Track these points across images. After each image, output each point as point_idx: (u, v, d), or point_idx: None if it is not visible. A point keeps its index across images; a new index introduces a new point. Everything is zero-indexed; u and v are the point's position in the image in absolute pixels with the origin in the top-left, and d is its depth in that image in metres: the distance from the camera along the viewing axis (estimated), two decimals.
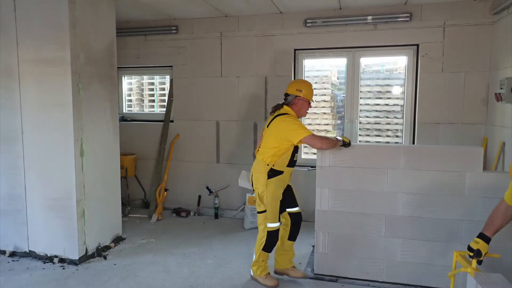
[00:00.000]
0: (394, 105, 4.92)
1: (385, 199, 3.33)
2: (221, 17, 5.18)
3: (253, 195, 4.89)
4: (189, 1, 4.52)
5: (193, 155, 5.50)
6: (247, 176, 3.63)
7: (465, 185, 3.14)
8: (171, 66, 5.53)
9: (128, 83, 5.99)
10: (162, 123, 5.57)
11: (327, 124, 5.17)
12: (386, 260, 3.38)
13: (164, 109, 5.63)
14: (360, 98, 4.95)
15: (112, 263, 3.85)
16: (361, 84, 4.94)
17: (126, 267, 3.75)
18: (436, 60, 4.57)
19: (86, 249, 3.90)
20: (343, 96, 5.06)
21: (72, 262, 3.79)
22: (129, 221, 5.06)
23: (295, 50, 5.05)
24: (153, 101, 5.95)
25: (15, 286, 3.35)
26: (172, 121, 5.57)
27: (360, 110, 4.97)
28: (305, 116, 3.48)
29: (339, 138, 3.33)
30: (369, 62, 5.14)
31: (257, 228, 4.84)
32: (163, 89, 5.84)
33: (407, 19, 4.55)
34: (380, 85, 4.99)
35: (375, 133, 4.98)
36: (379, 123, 4.98)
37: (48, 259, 3.86)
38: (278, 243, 3.48)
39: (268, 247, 3.34)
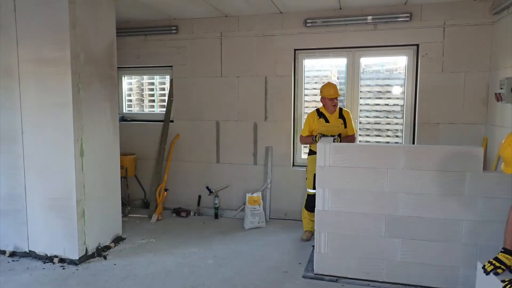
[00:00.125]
0: (394, 105, 4.92)
1: (385, 199, 3.33)
2: (221, 17, 5.18)
3: (253, 195, 4.93)
4: (189, 1, 4.52)
5: (193, 155, 5.50)
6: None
7: (465, 185, 3.14)
8: (171, 66, 5.53)
9: (128, 83, 5.99)
10: (162, 123, 5.57)
11: None
12: (386, 260, 3.38)
13: (164, 109, 5.63)
14: (360, 98, 4.95)
15: (112, 263, 3.85)
16: (361, 84, 4.94)
17: (126, 267, 3.75)
18: (436, 60, 4.57)
19: (86, 249, 3.90)
20: (343, 97, 5.06)
21: (72, 262, 3.79)
22: (129, 221, 5.06)
23: (295, 50, 5.05)
24: (153, 101, 5.95)
25: (15, 286, 3.35)
26: (172, 121, 5.57)
27: (360, 110, 4.97)
28: (333, 110, 4.29)
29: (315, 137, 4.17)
30: (369, 62, 5.14)
31: (257, 228, 4.89)
32: (163, 89, 5.84)
33: (407, 19, 4.55)
34: (380, 85, 4.99)
35: (375, 133, 4.99)
36: (379, 123, 4.98)
37: (48, 259, 3.86)
38: None
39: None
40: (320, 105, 4.44)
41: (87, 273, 3.63)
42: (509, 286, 2.25)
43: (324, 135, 4.14)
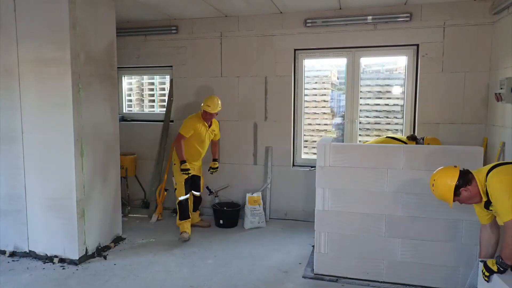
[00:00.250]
0: (394, 105, 4.92)
1: (385, 199, 3.33)
2: (221, 17, 5.18)
3: (253, 195, 4.93)
4: (189, 1, 4.52)
5: None
6: None
7: None
8: (171, 66, 5.53)
9: (128, 83, 5.99)
10: (162, 123, 5.57)
11: (327, 124, 5.17)
12: (386, 260, 3.38)
13: (164, 109, 5.63)
14: (360, 98, 4.95)
15: (112, 263, 3.85)
16: (361, 84, 4.94)
17: (126, 267, 3.75)
18: (436, 60, 4.57)
19: (86, 249, 3.90)
20: (340, 97, 5.07)
21: (72, 262, 3.79)
22: (129, 221, 5.06)
23: (295, 50, 5.05)
24: (153, 101, 5.95)
25: (15, 286, 3.35)
26: (172, 121, 5.57)
27: (360, 110, 4.97)
28: (209, 123, 4.67)
29: None
30: (369, 62, 5.14)
31: (257, 228, 4.89)
32: (163, 89, 5.84)
33: (407, 19, 4.55)
34: (380, 85, 4.99)
35: (375, 133, 4.98)
36: (379, 123, 4.98)
37: (48, 259, 3.85)
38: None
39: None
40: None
41: (87, 273, 3.63)
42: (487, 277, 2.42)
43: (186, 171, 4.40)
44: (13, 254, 3.97)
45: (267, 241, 4.42)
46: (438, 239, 3.24)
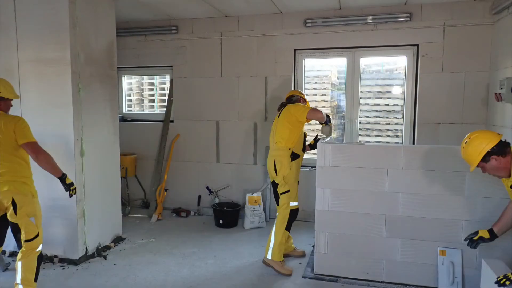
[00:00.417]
0: (394, 105, 4.92)
1: (385, 199, 3.33)
2: (221, 17, 5.18)
3: (253, 195, 4.93)
4: (189, 1, 4.52)
5: (193, 155, 5.50)
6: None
7: (465, 185, 3.14)
8: (171, 66, 5.53)
9: (128, 83, 5.99)
10: (162, 123, 5.57)
11: None
12: (386, 260, 3.38)
13: (164, 109, 5.63)
14: (360, 98, 4.95)
15: (112, 263, 3.85)
16: (361, 84, 4.94)
17: (126, 267, 3.75)
18: (436, 60, 4.57)
19: (86, 249, 3.90)
20: (340, 97, 5.07)
21: (72, 262, 3.79)
22: (129, 221, 5.06)
23: (295, 50, 5.05)
24: (153, 101, 5.95)
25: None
26: (172, 121, 5.57)
27: (360, 110, 4.97)
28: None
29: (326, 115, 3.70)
30: (369, 62, 5.14)
31: (257, 228, 4.88)
32: (163, 89, 5.84)
33: (407, 19, 4.55)
34: (380, 85, 4.99)
35: (375, 133, 4.99)
36: (379, 123, 4.98)
37: (48, 259, 3.85)
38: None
39: (289, 225, 3.66)
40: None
41: (87, 273, 3.63)
42: (504, 280, 2.27)
43: None
44: (13, 254, 3.96)
45: (267, 241, 4.41)
46: (438, 239, 3.24)
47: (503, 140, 2.46)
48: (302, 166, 5.16)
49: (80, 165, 3.77)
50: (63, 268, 3.72)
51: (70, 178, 3.72)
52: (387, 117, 4.94)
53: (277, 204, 3.74)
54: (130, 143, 5.60)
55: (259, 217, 4.88)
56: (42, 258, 3.13)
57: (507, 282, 2.29)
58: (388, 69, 5.18)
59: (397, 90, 4.91)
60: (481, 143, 2.43)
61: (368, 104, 4.98)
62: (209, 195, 5.34)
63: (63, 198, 3.75)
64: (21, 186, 2.91)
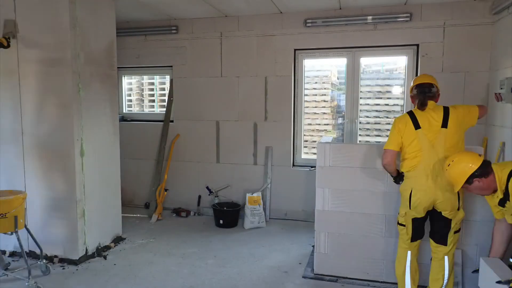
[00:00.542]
0: (394, 105, 4.92)
1: (385, 199, 3.33)
2: (221, 17, 5.18)
3: (253, 195, 4.93)
4: (189, 1, 4.52)
5: (193, 155, 5.50)
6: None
7: None
8: (171, 66, 5.53)
9: (128, 83, 5.99)
10: (162, 123, 5.57)
11: (327, 124, 5.17)
12: (386, 260, 3.38)
13: (164, 109, 5.63)
14: (360, 98, 4.95)
15: (112, 263, 3.85)
16: (361, 84, 4.94)
17: (126, 267, 3.75)
18: (436, 60, 4.56)
19: (86, 249, 3.90)
20: (340, 97, 5.07)
21: (72, 262, 3.79)
22: (129, 221, 5.06)
23: (295, 50, 5.05)
24: (153, 101, 5.95)
25: (15, 286, 3.35)
26: (172, 121, 5.57)
27: (360, 110, 4.97)
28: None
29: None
30: (369, 62, 5.14)
31: (257, 228, 4.88)
32: (163, 89, 5.84)
33: (407, 19, 4.55)
34: (380, 85, 4.99)
35: (375, 133, 4.99)
36: (379, 123, 4.98)
37: (48, 259, 3.85)
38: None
39: None
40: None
41: (87, 273, 3.63)
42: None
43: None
44: (13, 254, 3.96)
45: (267, 241, 4.42)
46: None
47: (485, 160, 2.50)
48: (301, 166, 5.23)
49: (80, 165, 3.77)
50: (63, 268, 3.72)
51: (70, 178, 3.76)
52: (387, 117, 4.94)
53: (435, 241, 2.92)
54: (130, 143, 5.60)
55: (259, 217, 4.88)
56: None
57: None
58: (388, 69, 5.18)
59: (397, 90, 4.91)
60: (464, 167, 2.47)
61: (368, 104, 4.98)
62: (209, 195, 5.34)
63: (63, 198, 3.77)
64: None
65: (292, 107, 5.11)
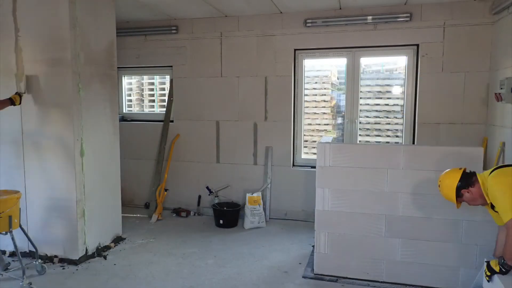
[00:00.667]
0: (394, 105, 4.92)
1: (385, 199, 3.33)
2: (221, 17, 5.18)
3: (253, 195, 4.93)
4: (189, 1, 4.52)
5: (193, 155, 5.50)
6: None
7: None
8: (171, 66, 5.53)
9: (128, 83, 5.99)
10: (162, 123, 5.57)
11: (327, 124, 5.17)
12: (386, 260, 3.38)
13: (164, 109, 5.63)
14: (360, 98, 4.95)
15: (112, 263, 3.85)
16: (361, 84, 4.94)
17: (126, 267, 3.75)
18: (436, 60, 4.57)
19: (86, 249, 3.90)
20: (339, 97, 5.07)
21: (72, 262, 3.79)
22: (129, 221, 5.06)
23: (295, 50, 5.05)
24: (153, 101, 5.95)
25: (15, 286, 3.35)
26: (172, 121, 5.57)
27: (360, 110, 4.97)
28: None
29: None
30: (369, 62, 5.14)
31: (257, 228, 4.88)
32: (163, 89, 5.84)
33: (407, 19, 4.55)
34: (380, 85, 4.99)
35: (375, 133, 4.99)
36: (379, 123, 4.98)
37: (48, 259, 3.85)
38: None
39: None
40: None
41: (87, 273, 3.63)
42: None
43: None
44: (13, 254, 3.96)
45: (267, 241, 4.42)
46: (438, 239, 3.24)
47: (468, 171, 2.61)
48: (301, 166, 5.23)
49: (80, 165, 3.77)
50: (63, 268, 3.71)
51: (70, 178, 3.75)
52: (387, 117, 4.94)
53: None
54: (130, 143, 5.60)
55: (259, 217, 4.88)
56: None
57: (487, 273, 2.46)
58: (388, 69, 5.18)
59: (397, 90, 4.91)
60: (448, 183, 2.64)
61: (368, 104, 4.98)
62: (209, 195, 5.34)
63: (63, 198, 3.77)
64: None
65: (292, 107, 5.11)
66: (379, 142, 4.97)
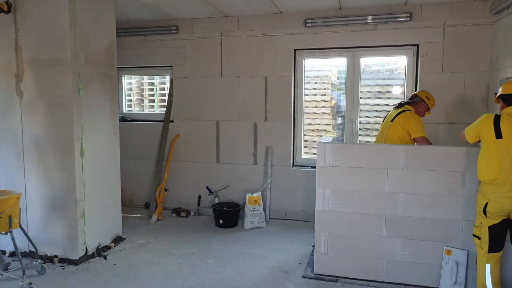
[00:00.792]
0: (394, 105, 4.91)
1: (385, 199, 3.33)
2: (221, 17, 5.18)
3: (253, 195, 4.93)
4: (189, 1, 4.52)
5: (193, 155, 5.50)
6: None
7: (465, 185, 3.14)
8: (171, 66, 5.53)
9: (128, 83, 5.99)
10: (162, 123, 5.57)
11: (327, 124, 5.17)
12: (386, 260, 3.38)
13: (164, 109, 5.63)
14: (360, 98, 4.95)
15: (112, 263, 3.85)
16: (361, 84, 4.94)
17: (126, 267, 3.75)
18: (436, 60, 4.57)
19: (86, 249, 3.90)
20: (339, 97, 5.07)
21: (72, 262, 3.79)
22: (129, 221, 5.06)
23: (295, 50, 5.05)
24: (153, 101, 5.95)
25: (15, 286, 3.35)
26: (172, 121, 5.57)
27: (360, 110, 4.97)
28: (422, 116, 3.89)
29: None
30: (369, 62, 5.14)
31: (257, 228, 4.89)
32: (163, 89, 5.84)
33: (407, 19, 4.55)
34: (380, 85, 4.99)
35: (375, 133, 4.97)
36: (379, 123, 4.97)
37: (48, 259, 3.85)
38: None
39: None
40: None
41: (87, 273, 3.63)
42: None
43: None
44: (13, 254, 3.96)
45: (267, 241, 4.42)
46: (438, 239, 3.24)
47: None
48: (301, 166, 5.23)
49: (80, 165, 3.77)
50: (63, 268, 3.72)
51: (70, 178, 3.76)
52: None
53: None
54: (130, 143, 5.61)
55: (259, 217, 4.88)
56: None
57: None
58: (388, 69, 5.18)
59: (397, 90, 4.91)
60: None
61: (368, 104, 4.98)
62: (209, 195, 5.34)
63: (63, 198, 3.77)
64: None
65: (292, 107, 5.11)
66: None
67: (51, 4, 3.61)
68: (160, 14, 5.13)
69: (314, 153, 4.96)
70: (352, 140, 4.98)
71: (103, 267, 3.76)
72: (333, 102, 5.20)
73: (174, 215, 5.39)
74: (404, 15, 4.54)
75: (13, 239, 3.31)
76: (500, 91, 2.94)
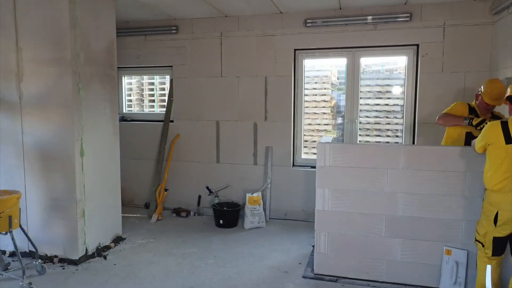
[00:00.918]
0: (394, 105, 4.92)
1: (385, 199, 3.33)
2: (221, 17, 5.18)
3: (253, 195, 4.93)
4: (189, 1, 4.52)
5: (193, 155, 5.50)
6: None
7: (465, 185, 3.14)
8: (171, 66, 5.53)
9: (128, 83, 5.99)
10: (162, 123, 5.57)
11: (327, 124, 5.17)
12: (386, 260, 3.38)
13: (164, 109, 5.63)
14: (360, 98, 4.95)
15: (112, 263, 3.85)
16: (361, 84, 4.94)
17: (126, 267, 3.75)
18: (436, 60, 4.57)
19: (86, 249, 3.90)
20: (339, 97, 5.07)
21: (72, 262, 3.79)
22: (129, 221, 5.06)
23: (295, 50, 5.05)
24: (153, 101, 5.95)
25: (15, 286, 3.35)
26: (172, 121, 5.57)
27: (360, 110, 4.97)
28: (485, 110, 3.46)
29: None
30: (369, 62, 5.14)
31: (257, 228, 4.89)
32: (163, 89, 5.84)
33: (407, 19, 4.55)
34: (380, 85, 4.99)
35: (375, 133, 4.99)
36: (379, 123, 4.98)
37: (48, 259, 3.85)
38: None
39: None
40: None
41: (87, 273, 3.63)
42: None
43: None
44: (13, 254, 3.96)
45: (267, 241, 4.42)
46: (438, 239, 3.24)
47: None
48: (301, 166, 5.23)
49: (80, 165, 3.77)
50: (63, 268, 3.72)
51: (70, 178, 3.76)
52: (387, 117, 4.94)
53: None
54: (130, 143, 5.61)
55: (259, 217, 4.88)
56: None
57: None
58: (388, 69, 5.18)
59: (397, 90, 4.91)
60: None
61: (368, 104, 4.98)
62: (209, 195, 5.34)
63: (63, 198, 3.77)
64: None
65: (292, 107, 5.11)
66: (379, 142, 4.97)
67: (51, 4, 3.60)
68: (160, 14, 5.13)
69: (314, 153, 4.96)
70: (352, 140, 4.98)
71: (103, 267, 3.76)
72: (333, 102, 5.20)
73: (174, 215, 5.39)
74: (404, 15, 4.54)
75: (13, 239, 3.31)
76: (508, 92, 2.87)
